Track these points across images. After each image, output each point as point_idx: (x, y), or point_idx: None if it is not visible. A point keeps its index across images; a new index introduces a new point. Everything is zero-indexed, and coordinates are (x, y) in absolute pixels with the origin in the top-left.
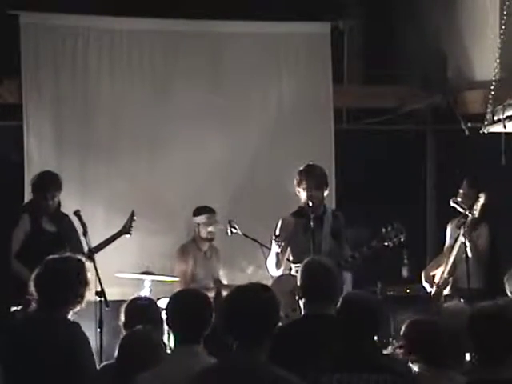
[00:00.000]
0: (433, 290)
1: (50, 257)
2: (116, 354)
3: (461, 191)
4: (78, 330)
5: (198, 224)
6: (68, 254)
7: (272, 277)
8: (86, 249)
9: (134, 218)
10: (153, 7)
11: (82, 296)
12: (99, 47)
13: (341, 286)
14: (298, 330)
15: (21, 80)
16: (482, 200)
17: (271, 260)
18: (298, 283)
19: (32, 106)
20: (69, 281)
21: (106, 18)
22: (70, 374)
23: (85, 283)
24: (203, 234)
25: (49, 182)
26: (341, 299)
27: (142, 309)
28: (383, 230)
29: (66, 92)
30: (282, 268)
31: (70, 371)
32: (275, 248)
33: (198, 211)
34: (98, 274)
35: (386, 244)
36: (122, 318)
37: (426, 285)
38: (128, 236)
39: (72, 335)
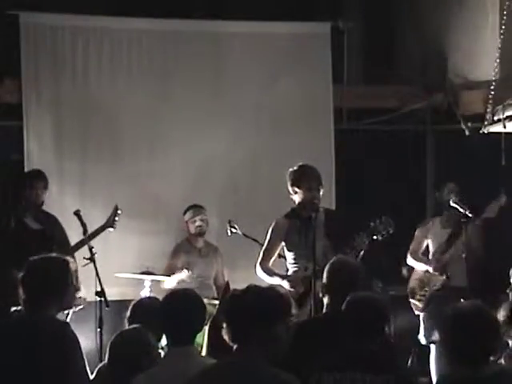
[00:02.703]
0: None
1: (35, 257)
2: (107, 354)
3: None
4: (65, 330)
5: (187, 222)
6: (53, 253)
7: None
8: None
9: (118, 211)
10: (153, 7)
11: (68, 297)
12: (99, 47)
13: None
14: (319, 328)
15: (21, 80)
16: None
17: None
18: (324, 281)
19: (32, 106)
20: (52, 281)
21: (106, 18)
22: (55, 375)
23: (69, 283)
24: (192, 229)
25: (38, 174)
26: (346, 300)
27: (147, 309)
28: (371, 223)
29: (66, 92)
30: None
31: (55, 372)
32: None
33: (185, 210)
34: (97, 274)
35: (374, 238)
36: (128, 315)
37: (411, 262)
38: (112, 229)
39: (58, 335)
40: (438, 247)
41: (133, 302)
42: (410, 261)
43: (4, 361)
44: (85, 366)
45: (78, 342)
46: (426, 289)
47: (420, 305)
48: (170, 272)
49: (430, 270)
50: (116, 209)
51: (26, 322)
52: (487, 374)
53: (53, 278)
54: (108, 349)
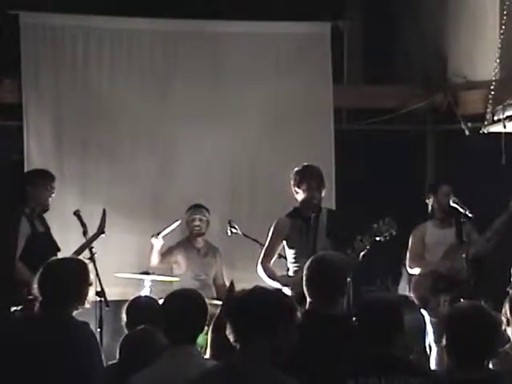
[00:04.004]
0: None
1: (53, 258)
2: (117, 354)
3: None
4: (86, 331)
5: (187, 221)
6: (70, 255)
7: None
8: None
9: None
10: (153, 7)
11: (86, 296)
12: (99, 47)
13: (347, 285)
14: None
15: (21, 80)
16: None
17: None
18: (303, 279)
19: (32, 106)
20: (72, 282)
21: (105, 18)
22: (78, 375)
23: (87, 283)
24: (190, 228)
25: (49, 174)
26: (361, 302)
27: (143, 308)
28: (374, 225)
29: (66, 92)
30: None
31: (78, 372)
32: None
33: (187, 209)
34: (97, 274)
35: (377, 239)
36: (124, 317)
37: (413, 270)
38: (103, 235)
39: (80, 336)
40: (449, 249)
41: (127, 303)
42: (413, 267)
43: (24, 361)
44: (103, 366)
45: (97, 342)
46: (444, 297)
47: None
48: (164, 258)
49: (444, 269)
50: (104, 214)
51: (45, 322)
52: (486, 375)
53: (70, 278)
54: (118, 349)
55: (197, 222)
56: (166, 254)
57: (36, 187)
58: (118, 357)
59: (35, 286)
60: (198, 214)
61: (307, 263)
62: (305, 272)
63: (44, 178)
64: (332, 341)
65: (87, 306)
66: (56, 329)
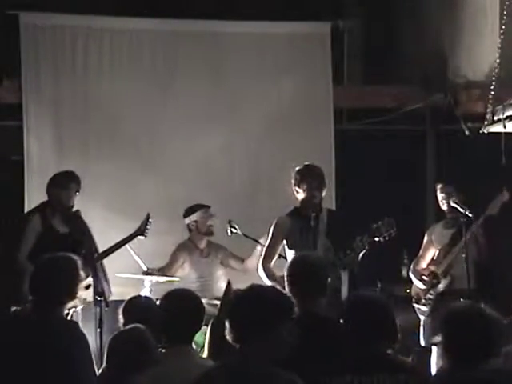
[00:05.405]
0: (422, 286)
1: (44, 257)
2: (105, 354)
3: None
4: (75, 330)
5: (196, 221)
6: (62, 253)
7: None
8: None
9: (150, 220)
10: (153, 7)
11: (75, 294)
12: (99, 47)
13: (327, 284)
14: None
15: (21, 80)
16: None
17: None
18: (285, 279)
19: (32, 106)
20: (61, 281)
21: (106, 18)
22: (67, 375)
23: (77, 281)
24: (203, 228)
25: (71, 175)
26: (348, 300)
27: (140, 308)
28: (374, 225)
29: (66, 92)
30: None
31: (67, 371)
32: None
33: (192, 209)
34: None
35: (376, 239)
36: (121, 317)
37: (414, 280)
38: (142, 238)
39: (69, 335)
40: (442, 249)
41: (123, 303)
42: (411, 270)
43: (13, 360)
44: (93, 366)
45: (87, 342)
46: (432, 292)
47: (424, 309)
48: (169, 269)
49: (421, 286)
50: (148, 217)
51: (35, 321)
52: (482, 374)
53: (62, 277)
54: (106, 349)
55: (210, 222)
56: (171, 263)
57: (53, 187)
58: (105, 356)
59: (26, 285)
60: (210, 213)
61: (288, 263)
62: (287, 272)
63: (62, 178)
64: (315, 340)
65: (78, 303)
66: (45, 328)
